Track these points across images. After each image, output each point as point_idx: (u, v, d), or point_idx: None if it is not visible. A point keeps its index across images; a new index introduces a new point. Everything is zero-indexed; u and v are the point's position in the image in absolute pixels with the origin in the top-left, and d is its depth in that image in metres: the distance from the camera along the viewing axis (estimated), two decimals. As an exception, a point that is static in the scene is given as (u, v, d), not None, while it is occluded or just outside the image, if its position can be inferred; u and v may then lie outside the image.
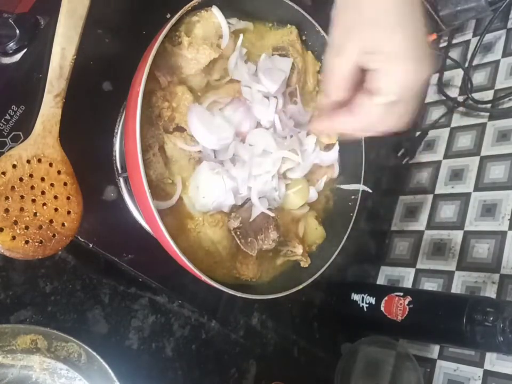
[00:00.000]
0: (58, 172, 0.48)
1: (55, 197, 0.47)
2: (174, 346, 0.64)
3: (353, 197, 0.66)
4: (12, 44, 0.51)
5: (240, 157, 0.55)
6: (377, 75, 0.42)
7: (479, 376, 0.78)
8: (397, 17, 0.40)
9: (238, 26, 0.58)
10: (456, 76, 1.05)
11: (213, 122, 0.53)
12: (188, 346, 0.66)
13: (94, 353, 0.51)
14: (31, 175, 0.46)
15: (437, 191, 0.98)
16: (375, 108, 0.43)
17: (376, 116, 0.44)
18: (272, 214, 0.56)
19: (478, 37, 0.99)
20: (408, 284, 0.93)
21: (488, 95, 0.98)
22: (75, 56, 0.48)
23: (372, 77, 0.42)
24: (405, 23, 0.40)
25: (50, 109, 0.47)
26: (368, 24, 0.41)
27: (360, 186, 0.65)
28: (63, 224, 0.47)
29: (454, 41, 1.10)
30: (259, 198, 0.56)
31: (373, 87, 0.42)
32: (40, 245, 0.45)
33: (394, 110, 0.43)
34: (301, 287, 0.57)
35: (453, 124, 1.02)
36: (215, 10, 0.54)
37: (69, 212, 0.48)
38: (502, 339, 0.65)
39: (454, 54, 1.09)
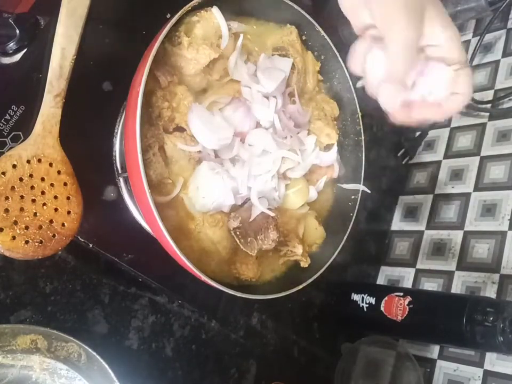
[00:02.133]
0: (58, 172, 0.48)
1: (55, 197, 0.47)
2: (174, 346, 0.64)
3: (353, 197, 0.66)
4: (12, 44, 0.51)
5: (240, 157, 0.55)
6: (445, 42, 0.42)
7: (479, 376, 0.78)
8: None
9: (239, 30, 0.58)
10: (456, 75, 1.05)
11: (213, 122, 0.53)
12: (188, 346, 0.66)
13: (94, 353, 0.51)
14: (31, 175, 0.46)
15: (437, 191, 0.97)
16: (469, 76, 0.43)
17: (464, 83, 0.43)
18: (272, 214, 0.56)
19: (478, 37, 0.99)
20: (408, 284, 0.93)
21: (488, 95, 0.98)
22: (75, 56, 0.49)
23: (440, 48, 0.42)
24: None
25: (50, 109, 0.47)
26: None
27: (360, 187, 0.65)
28: (63, 224, 0.47)
29: (454, 41, 1.10)
30: (259, 198, 0.56)
31: (447, 58, 0.42)
32: (40, 245, 0.45)
33: (466, 73, 0.43)
34: (301, 287, 0.57)
35: (453, 124, 1.02)
36: (215, 10, 0.54)
37: (69, 212, 0.48)
38: (502, 339, 0.65)
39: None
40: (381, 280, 0.97)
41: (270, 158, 0.56)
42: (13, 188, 0.45)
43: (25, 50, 0.51)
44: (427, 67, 0.45)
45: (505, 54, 0.99)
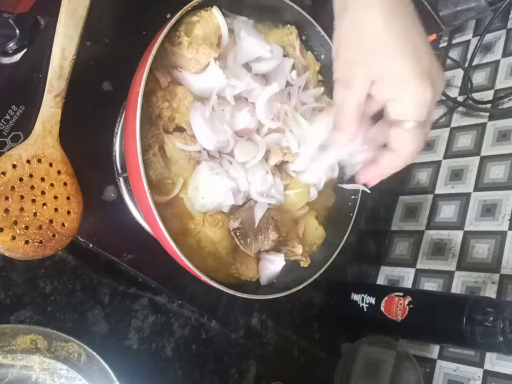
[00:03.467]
0: (58, 172, 0.48)
1: (55, 197, 0.47)
2: (174, 346, 0.64)
3: (353, 197, 0.66)
4: (12, 43, 0.51)
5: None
6: (393, 104, 0.43)
7: (479, 376, 0.78)
8: (398, 46, 0.41)
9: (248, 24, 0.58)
10: (456, 75, 1.05)
11: (214, 122, 0.53)
12: (188, 346, 0.66)
13: (94, 353, 0.51)
14: (31, 175, 0.46)
15: (437, 191, 0.98)
16: (409, 137, 0.44)
17: (414, 144, 0.45)
18: (272, 201, 0.56)
19: (478, 37, 0.99)
20: (408, 284, 0.93)
21: (488, 95, 0.98)
22: (75, 56, 0.49)
23: (390, 109, 0.44)
24: (406, 49, 0.41)
25: (50, 109, 0.47)
26: (372, 56, 0.42)
27: (360, 186, 0.65)
28: (63, 224, 0.47)
29: (454, 41, 1.10)
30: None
31: (395, 118, 0.44)
32: (40, 245, 0.45)
33: (423, 130, 0.44)
34: (301, 287, 0.57)
35: (453, 124, 1.02)
36: (215, 10, 0.54)
37: (69, 212, 0.48)
38: (502, 339, 0.65)
39: (454, 54, 1.09)
40: (381, 280, 0.97)
41: (255, 145, 0.56)
42: (13, 187, 0.45)
43: (25, 50, 0.51)
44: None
45: (505, 54, 0.99)
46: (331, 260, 0.60)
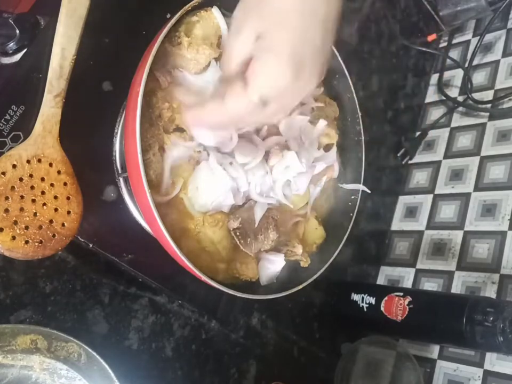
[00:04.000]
0: (58, 172, 0.48)
1: (55, 197, 0.47)
2: (174, 346, 0.64)
3: (353, 197, 0.66)
4: (12, 43, 0.51)
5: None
6: (254, 63, 0.40)
7: (479, 376, 0.78)
8: (299, 15, 0.39)
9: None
10: (456, 75, 1.05)
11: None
12: (188, 346, 0.66)
13: (94, 353, 0.51)
14: (31, 175, 0.46)
15: (437, 191, 0.98)
16: (245, 101, 0.41)
17: (245, 110, 0.42)
18: (272, 201, 0.56)
19: (478, 37, 0.99)
20: (408, 284, 0.93)
21: (488, 95, 0.98)
22: (75, 56, 0.49)
23: (251, 64, 0.41)
24: (305, 22, 0.39)
25: (50, 109, 0.47)
26: (270, 10, 0.40)
27: (360, 186, 0.65)
28: (63, 224, 0.47)
29: (454, 41, 1.10)
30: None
31: (248, 74, 0.41)
32: (40, 245, 0.45)
33: (264, 108, 0.41)
34: (301, 287, 0.57)
35: (453, 124, 1.02)
36: (214, 10, 0.54)
37: (69, 212, 0.48)
38: (502, 339, 0.65)
39: (454, 54, 1.09)
40: (381, 280, 0.97)
41: (254, 144, 0.55)
42: (13, 187, 0.45)
43: (25, 50, 0.51)
44: None
45: (505, 54, 1.00)
46: (331, 260, 0.60)
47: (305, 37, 0.40)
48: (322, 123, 0.62)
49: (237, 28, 0.42)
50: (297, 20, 0.39)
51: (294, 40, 0.39)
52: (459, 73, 1.04)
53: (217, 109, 0.43)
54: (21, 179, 0.45)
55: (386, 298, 0.78)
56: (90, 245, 0.53)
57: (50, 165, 0.47)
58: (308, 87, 0.42)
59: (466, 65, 1.01)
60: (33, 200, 0.46)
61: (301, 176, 0.59)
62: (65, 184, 0.48)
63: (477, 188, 0.92)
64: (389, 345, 0.84)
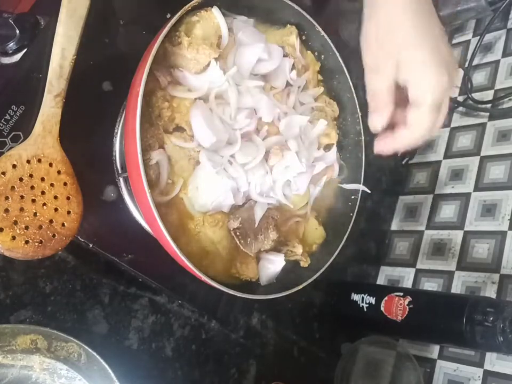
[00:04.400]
0: (58, 172, 0.48)
1: (55, 197, 0.47)
2: (174, 346, 0.64)
3: (353, 197, 0.66)
4: (12, 43, 0.51)
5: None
6: (411, 86, 0.49)
7: (479, 376, 0.78)
8: (420, 40, 0.49)
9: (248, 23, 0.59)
10: (456, 75, 1.05)
11: (214, 122, 0.53)
12: (188, 346, 0.66)
13: (94, 353, 0.51)
14: (31, 175, 0.46)
15: (437, 191, 0.98)
16: (424, 116, 0.50)
17: (428, 122, 0.50)
18: (272, 201, 0.56)
19: (478, 37, 0.99)
20: (408, 284, 0.93)
21: (488, 95, 0.98)
22: (75, 56, 0.49)
23: (410, 91, 0.50)
24: (427, 42, 0.49)
25: (50, 109, 0.47)
26: (398, 46, 0.50)
27: (360, 186, 0.65)
28: (63, 224, 0.47)
29: (454, 41, 1.10)
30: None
31: (412, 99, 0.50)
32: (40, 245, 0.45)
33: (437, 114, 0.50)
34: (301, 287, 0.57)
35: (453, 124, 1.02)
36: (215, 10, 0.54)
37: (69, 212, 0.48)
38: (502, 339, 0.65)
39: (454, 54, 1.09)
40: (381, 280, 0.97)
41: (254, 144, 0.56)
42: (13, 187, 0.45)
43: (25, 50, 0.51)
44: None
45: (505, 54, 0.99)
46: (331, 260, 0.60)
47: (438, 49, 0.49)
48: (322, 123, 0.62)
49: (374, 69, 0.52)
50: (426, 39, 0.49)
51: (433, 56, 0.49)
52: (459, 73, 1.04)
53: (406, 134, 0.52)
54: (21, 179, 0.45)
55: (386, 298, 0.78)
56: (90, 245, 0.53)
57: (50, 165, 0.47)
58: (455, 80, 0.51)
59: (466, 65, 1.01)
60: (33, 200, 0.46)
61: (301, 176, 0.59)
62: (65, 184, 0.48)
63: (477, 188, 0.92)
64: (389, 345, 0.84)
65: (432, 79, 0.49)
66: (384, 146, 0.55)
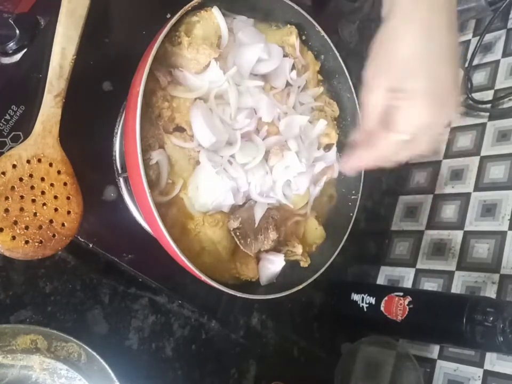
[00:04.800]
0: (58, 172, 0.48)
1: (55, 197, 0.47)
2: (174, 346, 0.64)
3: (353, 197, 0.66)
4: (12, 43, 0.51)
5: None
6: (396, 111, 0.45)
7: (479, 376, 0.78)
8: (424, 61, 0.44)
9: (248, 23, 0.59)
10: (456, 76, 1.05)
11: (214, 122, 0.53)
12: (188, 346, 0.66)
13: (94, 353, 0.51)
14: (31, 175, 0.46)
15: (437, 191, 0.97)
16: (389, 143, 0.47)
17: (389, 151, 0.48)
18: (272, 201, 0.56)
19: (478, 37, 0.99)
20: (408, 284, 0.93)
21: (488, 95, 0.98)
22: (75, 56, 0.49)
23: (392, 113, 0.46)
24: (431, 65, 0.44)
25: (50, 109, 0.47)
26: (397, 65, 0.45)
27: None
28: (63, 224, 0.47)
29: (454, 41, 1.10)
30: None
31: (390, 122, 0.46)
32: (40, 245, 0.45)
33: (407, 146, 0.47)
34: (301, 287, 0.57)
35: (453, 124, 1.02)
36: (214, 10, 0.54)
37: (69, 212, 0.48)
38: (502, 339, 0.65)
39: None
40: (381, 280, 0.97)
41: (255, 145, 0.56)
42: (13, 187, 0.45)
43: (25, 50, 0.51)
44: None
45: (505, 54, 0.99)
46: (331, 260, 0.60)
47: (436, 76, 0.44)
48: (322, 123, 0.62)
49: (369, 87, 0.48)
50: (425, 65, 0.44)
51: (427, 84, 0.44)
52: (459, 73, 1.04)
53: (367, 153, 0.50)
54: (21, 179, 0.45)
55: (386, 298, 0.78)
56: (90, 245, 0.53)
57: (50, 165, 0.47)
58: (449, 115, 0.47)
59: (466, 65, 1.01)
60: (33, 200, 0.46)
61: (301, 176, 0.59)
62: (65, 184, 0.48)
63: (477, 188, 0.92)
64: (389, 345, 0.84)
65: (425, 109, 0.44)
66: (346, 163, 0.53)
